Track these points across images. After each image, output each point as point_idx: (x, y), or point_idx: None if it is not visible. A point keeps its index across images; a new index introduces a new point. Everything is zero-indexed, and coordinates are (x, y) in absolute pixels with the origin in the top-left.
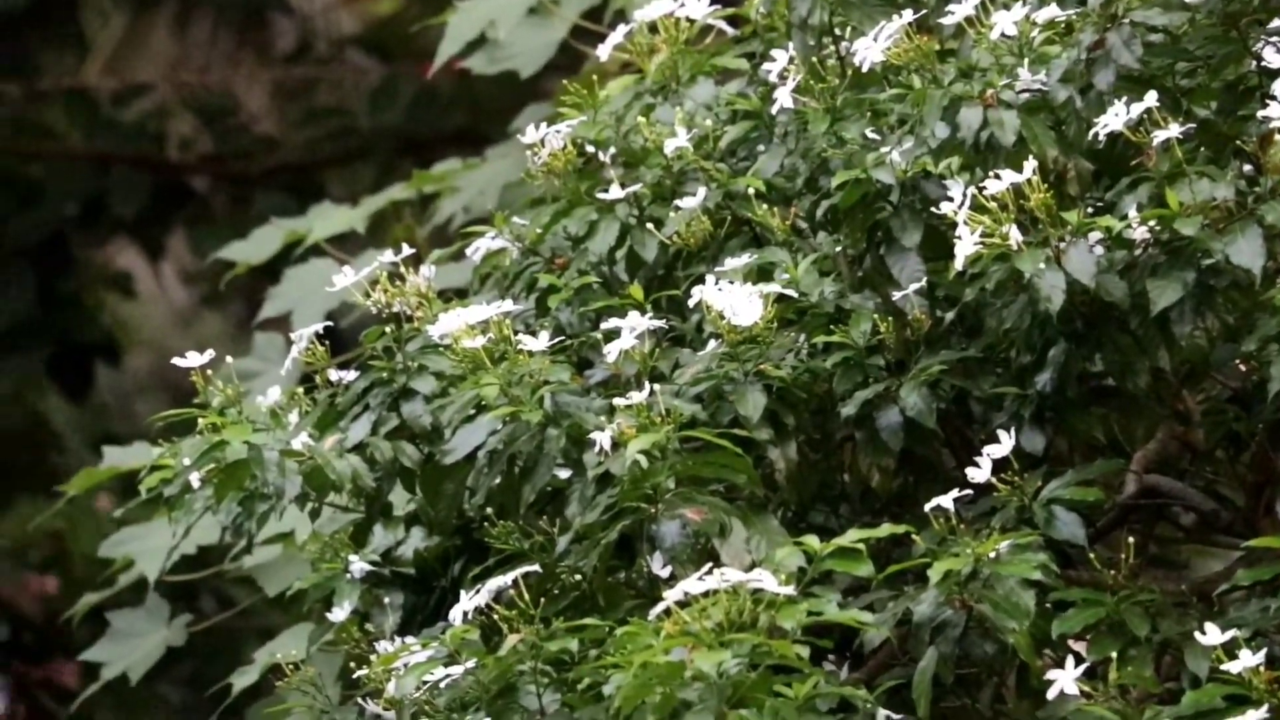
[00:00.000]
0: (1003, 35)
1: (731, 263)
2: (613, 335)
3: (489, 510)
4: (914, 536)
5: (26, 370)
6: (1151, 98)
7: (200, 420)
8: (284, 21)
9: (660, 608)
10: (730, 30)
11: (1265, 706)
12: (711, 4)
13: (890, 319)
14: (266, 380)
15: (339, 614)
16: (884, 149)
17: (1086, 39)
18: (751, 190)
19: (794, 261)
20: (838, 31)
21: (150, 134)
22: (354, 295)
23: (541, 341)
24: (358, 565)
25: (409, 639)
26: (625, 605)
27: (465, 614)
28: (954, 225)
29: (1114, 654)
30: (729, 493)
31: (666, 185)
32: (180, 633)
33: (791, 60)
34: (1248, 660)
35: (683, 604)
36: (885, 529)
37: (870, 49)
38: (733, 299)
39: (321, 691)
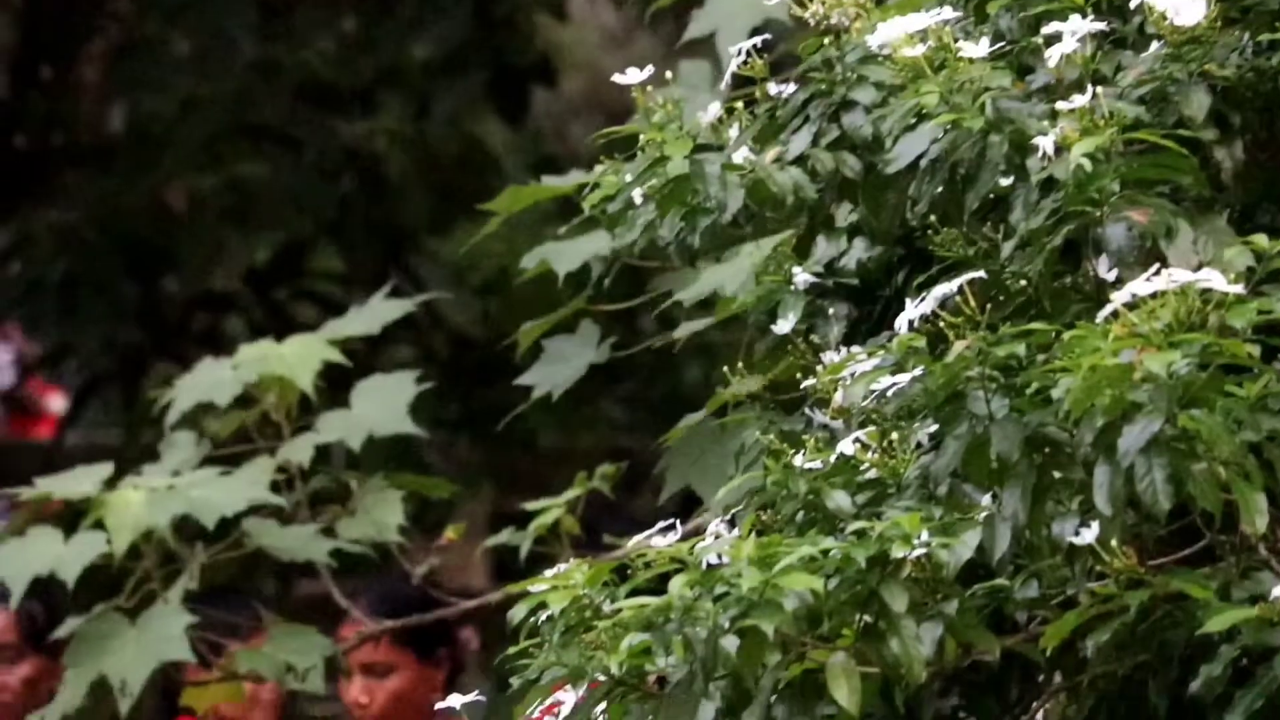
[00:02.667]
0: None
1: None
2: (1054, 39)
3: (932, 218)
4: None
5: (465, 95)
6: None
7: (640, 137)
8: None
9: (1108, 310)
10: None
11: None
12: None
13: None
14: (692, 108)
15: (784, 325)
16: None
17: None
18: None
19: None
20: None
21: None
22: (781, 12)
23: (982, 48)
24: (801, 277)
25: (854, 348)
26: (1071, 309)
27: (911, 322)
28: None
29: None
30: (1174, 194)
31: None
32: (604, 352)
33: None
34: None
35: (1130, 306)
36: None
37: None
38: None
39: (767, 404)
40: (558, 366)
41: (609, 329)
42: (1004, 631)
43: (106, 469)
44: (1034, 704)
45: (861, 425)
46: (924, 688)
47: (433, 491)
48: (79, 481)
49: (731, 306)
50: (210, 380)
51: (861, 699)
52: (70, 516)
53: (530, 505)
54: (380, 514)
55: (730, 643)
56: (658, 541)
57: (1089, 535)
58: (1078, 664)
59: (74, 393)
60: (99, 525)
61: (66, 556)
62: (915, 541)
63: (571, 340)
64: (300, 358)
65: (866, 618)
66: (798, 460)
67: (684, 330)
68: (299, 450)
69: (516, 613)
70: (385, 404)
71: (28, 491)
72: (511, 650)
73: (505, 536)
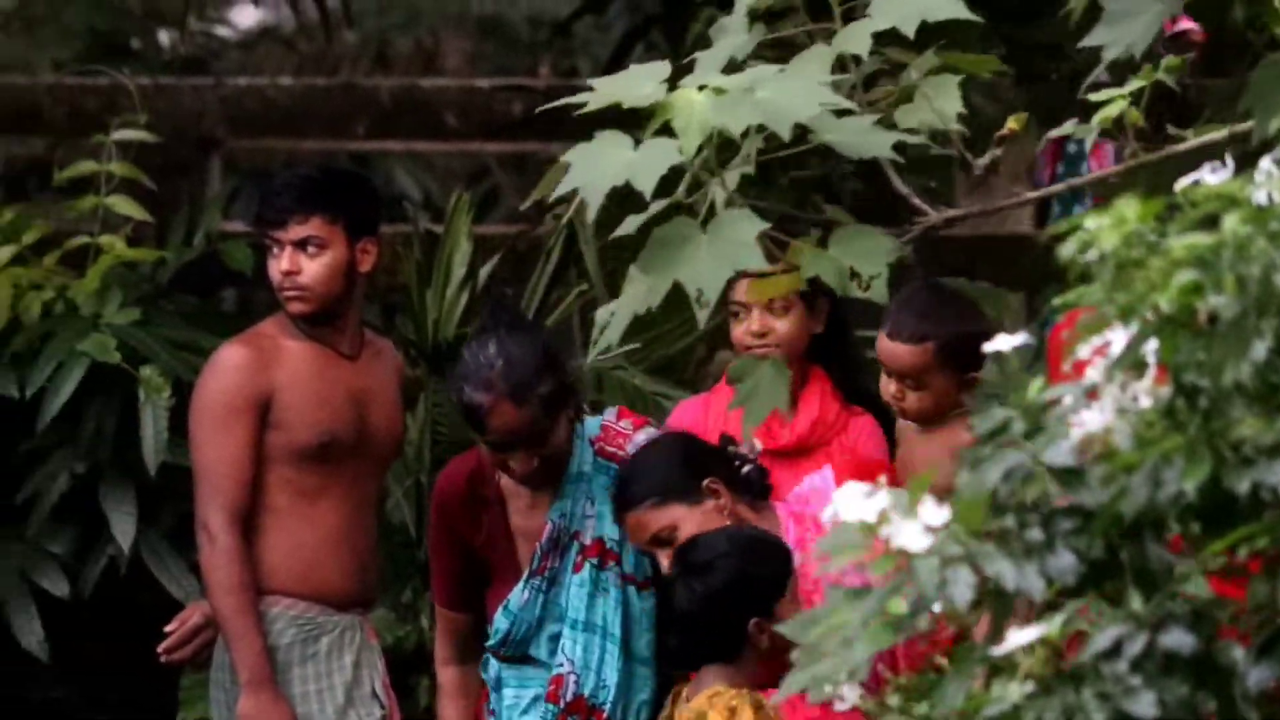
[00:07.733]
0: None
1: None
2: None
3: None
4: None
5: None
6: None
7: None
8: None
9: None
10: None
11: None
12: None
13: None
14: None
15: None
16: None
17: None
18: None
19: None
20: None
21: None
22: None
23: None
24: None
25: None
26: None
27: None
28: None
29: None
30: None
31: None
32: None
33: None
34: None
35: None
36: None
37: None
38: None
39: None
40: (1124, 25)
41: None
42: None
43: (664, 67)
44: None
45: None
46: None
47: (982, 69)
48: (638, 83)
49: None
50: None
51: None
52: (627, 122)
53: (1093, 96)
54: (940, 101)
55: None
56: (1208, 179)
57: None
58: None
59: (620, 37)
60: (664, 131)
61: (639, 163)
62: None
63: None
64: None
65: None
66: None
67: None
68: (855, 40)
69: (1066, 250)
70: None
71: (593, 95)
72: (1057, 298)
73: (1069, 128)
